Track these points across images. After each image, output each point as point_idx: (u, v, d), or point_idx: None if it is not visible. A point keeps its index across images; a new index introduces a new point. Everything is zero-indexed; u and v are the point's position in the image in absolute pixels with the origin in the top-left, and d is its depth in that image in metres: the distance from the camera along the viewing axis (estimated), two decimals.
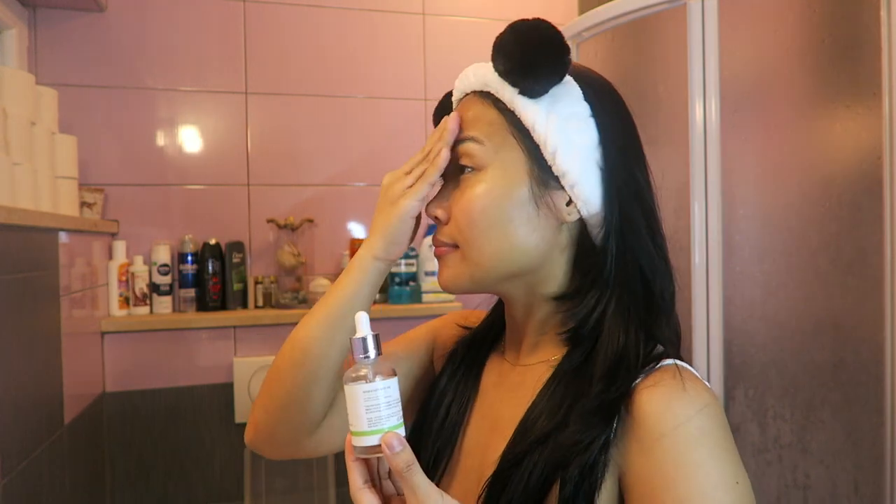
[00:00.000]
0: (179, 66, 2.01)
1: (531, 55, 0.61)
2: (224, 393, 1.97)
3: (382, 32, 2.19)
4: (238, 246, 2.01)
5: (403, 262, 2.08)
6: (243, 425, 1.97)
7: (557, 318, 0.66)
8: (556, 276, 0.66)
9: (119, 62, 1.95)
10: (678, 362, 0.60)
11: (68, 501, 1.48)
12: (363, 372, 0.54)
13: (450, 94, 0.75)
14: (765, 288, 1.38)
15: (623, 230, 0.63)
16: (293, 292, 2.05)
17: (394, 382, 0.55)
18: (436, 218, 0.67)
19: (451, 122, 0.65)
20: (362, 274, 0.68)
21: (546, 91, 0.62)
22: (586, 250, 0.66)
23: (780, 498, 1.35)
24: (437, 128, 0.67)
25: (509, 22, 0.63)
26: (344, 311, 0.67)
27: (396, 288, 2.09)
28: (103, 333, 1.86)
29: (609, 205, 0.63)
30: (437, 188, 0.67)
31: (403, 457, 0.51)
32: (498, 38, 0.63)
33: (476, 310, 0.83)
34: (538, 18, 0.62)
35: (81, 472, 1.62)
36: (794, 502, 1.34)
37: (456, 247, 0.65)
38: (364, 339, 0.55)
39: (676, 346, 0.64)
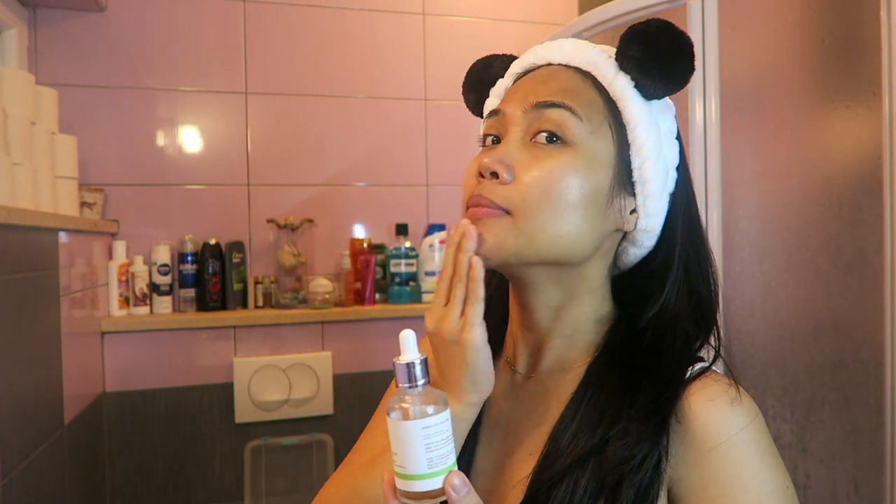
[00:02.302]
0: (179, 66, 2.01)
1: (674, 55, 0.59)
2: (224, 393, 1.97)
3: (382, 32, 2.19)
4: (238, 246, 2.01)
5: (404, 261, 2.08)
6: (243, 425, 1.97)
7: (587, 326, 0.64)
8: (592, 281, 0.63)
9: (119, 62, 1.95)
10: (722, 370, 0.60)
11: (68, 501, 1.48)
12: (413, 404, 0.47)
13: (491, 59, 0.70)
14: (765, 288, 1.38)
15: (688, 255, 0.63)
16: (293, 292, 2.05)
17: (448, 414, 0.48)
18: (493, 174, 0.58)
19: (468, 228, 0.57)
20: (464, 425, 0.60)
21: (663, 96, 0.61)
22: (611, 264, 0.65)
23: None
24: (448, 242, 0.59)
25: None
26: None
27: (396, 288, 2.09)
28: (103, 333, 1.86)
29: (681, 227, 0.63)
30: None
31: (471, 499, 0.47)
32: (641, 25, 0.59)
33: None
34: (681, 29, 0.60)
35: (81, 472, 1.62)
36: None
37: (507, 213, 0.57)
38: (411, 365, 0.48)
39: (718, 348, 0.64)
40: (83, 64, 1.92)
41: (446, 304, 0.58)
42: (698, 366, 0.58)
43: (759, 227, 1.40)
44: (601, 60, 0.61)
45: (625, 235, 0.64)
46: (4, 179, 1.24)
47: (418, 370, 0.47)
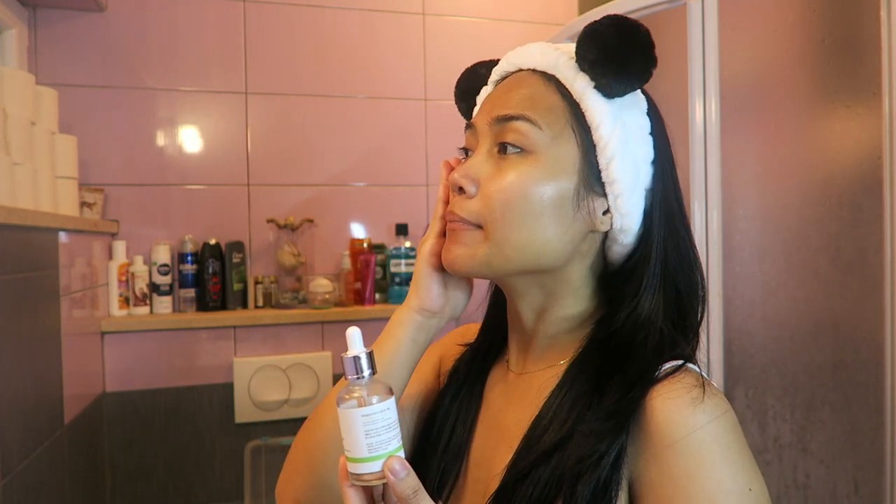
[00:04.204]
0: (179, 66, 2.01)
1: (627, 53, 0.58)
2: (224, 393, 1.97)
3: (382, 32, 2.19)
4: (238, 246, 2.01)
5: (404, 262, 2.08)
6: (243, 425, 1.97)
7: (572, 326, 0.65)
8: (574, 283, 0.64)
9: (119, 62, 1.95)
10: (695, 367, 0.58)
11: (68, 501, 1.48)
12: (358, 394, 0.51)
13: (477, 66, 0.72)
14: (765, 288, 1.38)
15: (667, 252, 0.62)
16: (293, 292, 2.05)
17: (391, 403, 0.51)
18: (460, 189, 0.62)
19: (450, 162, 0.66)
20: (400, 327, 0.66)
21: (624, 94, 0.60)
22: (598, 264, 0.65)
23: (780, 498, 1.35)
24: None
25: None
26: (388, 371, 0.64)
27: (396, 288, 2.09)
28: (103, 333, 1.86)
29: (658, 227, 0.62)
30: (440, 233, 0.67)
31: (409, 482, 0.49)
32: (593, 24, 0.59)
33: (472, 324, 0.80)
34: (638, 21, 0.59)
35: (81, 472, 1.62)
36: (794, 502, 1.34)
37: (478, 226, 0.61)
38: (357, 358, 0.51)
39: (693, 350, 0.63)
40: (83, 64, 1.92)
41: None
42: (668, 364, 0.57)
43: (759, 227, 1.40)
44: (562, 63, 0.62)
45: (607, 234, 0.63)
46: (4, 179, 1.24)
47: (363, 363, 0.52)
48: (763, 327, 1.38)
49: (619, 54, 0.58)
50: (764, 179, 1.41)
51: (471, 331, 0.79)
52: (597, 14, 1.63)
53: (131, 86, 1.97)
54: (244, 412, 1.97)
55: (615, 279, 0.65)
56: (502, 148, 0.61)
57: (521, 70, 0.65)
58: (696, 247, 0.65)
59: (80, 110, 1.90)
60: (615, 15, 0.60)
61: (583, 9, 2.33)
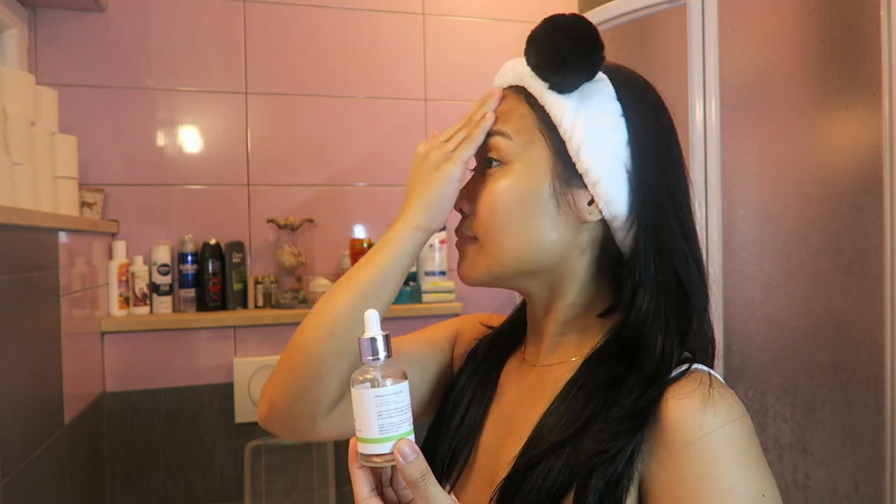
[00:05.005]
0: (179, 66, 2.01)
1: (562, 49, 0.60)
2: (224, 393, 1.97)
3: (382, 32, 2.19)
4: (238, 246, 2.01)
5: None
6: (243, 425, 1.97)
7: (582, 320, 0.66)
8: (577, 276, 0.65)
9: (119, 62, 1.95)
10: (708, 370, 0.58)
11: (68, 501, 1.48)
12: (372, 375, 0.52)
13: None
14: (765, 288, 1.38)
15: (657, 234, 0.62)
16: (293, 292, 2.05)
17: (405, 387, 0.52)
18: (461, 211, 0.67)
19: (495, 91, 0.65)
20: (401, 246, 0.65)
21: (575, 87, 0.61)
22: (610, 254, 0.65)
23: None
24: (480, 98, 0.67)
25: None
26: (379, 285, 0.64)
27: None
28: (103, 333, 1.86)
29: (641, 207, 0.61)
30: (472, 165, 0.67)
31: (417, 466, 0.50)
32: (532, 31, 0.62)
33: (496, 313, 0.82)
34: (575, 14, 0.61)
35: (81, 472, 1.62)
36: (794, 502, 1.34)
37: (475, 239, 0.65)
38: (374, 340, 0.52)
39: (708, 354, 0.63)
40: (83, 64, 1.92)
41: (447, 140, 0.66)
42: (685, 366, 0.58)
43: (759, 227, 1.40)
44: (524, 73, 0.64)
45: (609, 225, 0.64)
46: (4, 179, 1.24)
47: (380, 345, 0.52)
48: (763, 327, 1.38)
49: (555, 53, 0.61)
50: (764, 179, 1.41)
51: (495, 318, 0.81)
52: (596, 14, 1.63)
53: (131, 86, 1.97)
54: (244, 412, 1.96)
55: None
56: (487, 164, 0.65)
57: (503, 90, 0.68)
58: (691, 224, 0.64)
59: (80, 110, 1.90)
60: (553, 15, 0.62)
61: (582, 9, 2.33)
